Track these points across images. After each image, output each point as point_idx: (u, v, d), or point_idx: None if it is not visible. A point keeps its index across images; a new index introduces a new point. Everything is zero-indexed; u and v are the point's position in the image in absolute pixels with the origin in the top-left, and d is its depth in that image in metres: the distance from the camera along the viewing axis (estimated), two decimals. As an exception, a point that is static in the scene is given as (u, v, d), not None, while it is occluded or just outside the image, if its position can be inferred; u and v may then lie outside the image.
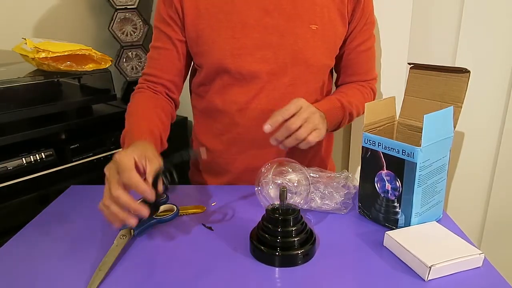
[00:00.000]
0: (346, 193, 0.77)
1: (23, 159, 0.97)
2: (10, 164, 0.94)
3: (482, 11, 0.94)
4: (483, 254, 0.58)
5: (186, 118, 1.44)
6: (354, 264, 0.61)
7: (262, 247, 0.61)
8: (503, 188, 1.05)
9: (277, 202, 0.65)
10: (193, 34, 0.85)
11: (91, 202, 0.80)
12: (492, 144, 1.04)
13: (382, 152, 0.66)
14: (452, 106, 0.66)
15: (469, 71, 0.69)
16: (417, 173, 0.62)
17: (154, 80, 0.89)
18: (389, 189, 0.67)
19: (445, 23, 1.00)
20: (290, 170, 0.71)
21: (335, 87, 1.00)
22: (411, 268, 0.58)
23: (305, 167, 0.73)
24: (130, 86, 1.48)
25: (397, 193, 0.66)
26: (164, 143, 0.81)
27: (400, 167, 0.64)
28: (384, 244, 0.64)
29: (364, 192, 0.72)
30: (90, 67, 1.10)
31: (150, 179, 0.60)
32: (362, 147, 0.70)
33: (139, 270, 0.60)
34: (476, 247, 0.59)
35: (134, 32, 1.45)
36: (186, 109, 1.07)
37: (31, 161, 0.98)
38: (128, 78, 1.48)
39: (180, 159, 0.63)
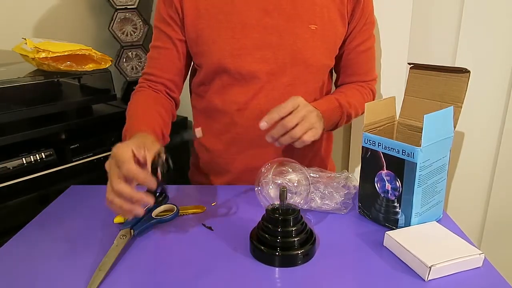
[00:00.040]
0: (346, 193, 0.77)
1: (23, 159, 0.97)
2: (10, 164, 0.94)
3: (482, 11, 0.94)
4: (483, 254, 0.58)
5: (186, 118, 1.44)
6: (354, 264, 0.61)
7: (262, 247, 0.61)
8: (503, 188, 1.05)
9: (277, 202, 0.65)
10: (193, 34, 0.85)
11: (91, 202, 0.81)
12: (492, 144, 1.04)
13: (382, 152, 0.66)
14: (452, 106, 0.66)
15: (469, 71, 0.69)
16: (417, 173, 0.62)
17: (154, 79, 0.89)
18: (389, 189, 0.67)
19: (445, 23, 1.00)
20: (290, 170, 0.71)
21: (334, 88, 1.00)
22: (411, 268, 0.58)
23: (305, 167, 0.73)
24: (130, 86, 1.48)
25: (397, 193, 0.66)
26: (166, 137, 0.81)
27: (400, 167, 0.64)
28: (384, 244, 0.64)
29: (364, 192, 0.72)
30: (90, 67, 1.10)
31: (149, 166, 0.60)
32: (362, 147, 0.70)
33: (139, 270, 0.60)
34: (476, 247, 0.59)
35: (134, 32, 1.45)
36: (186, 109, 1.07)
37: (31, 161, 0.98)
38: (128, 78, 1.48)
39: (179, 139, 0.63)
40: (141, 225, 0.68)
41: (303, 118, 0.72)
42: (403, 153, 0.63)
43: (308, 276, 0.58)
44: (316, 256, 0.62)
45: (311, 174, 0.79)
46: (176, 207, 0.73)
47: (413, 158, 0.62)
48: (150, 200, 0.59)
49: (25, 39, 1.06)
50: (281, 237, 0.61)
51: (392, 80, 1.09)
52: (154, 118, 0.80)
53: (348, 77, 0.95)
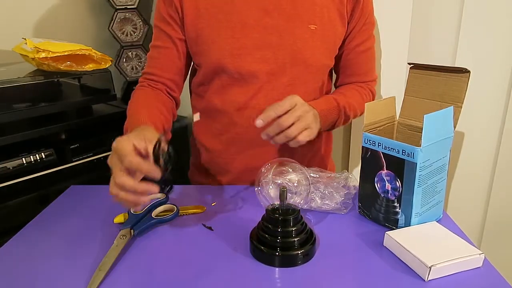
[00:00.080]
0: (346, 193, 0.77)
1: (23, 159, 0.97)
2: (10, 164, 0.94)
3: (482, 11, 0.94)
4: (483, 254, 0.58)
5: (186, 118, 1.44)
6: (354, 264, 0.61)
7: (262, 247, 0.61)
8: (503, 188, 1.05)
9: (277, 202, 0.65)
10: (192, 33, 0.85)
11: (91, 202, 0.81)
12: (492, 144, 1.04)
13: (382, 152, 0.66)
14: (452, 106, 0.66)
15: (469, 71, 0.69)
16: (417, 173, 0.62)
17: (155, 78, 0.89)
18: (389, 189, 0.67)
19: (445, 23, 1.00)
20: (290, 170, 0.71)
21: (334, 89, 1.00)
22: (411, 268, 0.58)
23: (305, 167, 0.73)
24: (130, 86, 1.48)
25: (397, 193, 0.66)
26: (167, 132, 0.81)
27: (400, 167, 0.64)
28: (384, 244, 0.64)
29: (364, 192, 0.72)
30: (90, 67, 1.10)
31: (150, 153, 0.59)
32: (362, 147, 0.70)
33: (139, 270, 0.60)
34: (476, 247, 0.59)
35: (134, 32, 1.45)
36: (186, 109, 1.07)
37: (31, 161, 0.98)
38: (128, 78, 1.48)
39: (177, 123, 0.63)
40: (141, 225, 0.68)
41: (299, 118, 0.72)
42: (403, 153, 0.63)
43: (308, 276, 0.58)
44: (316, 256, 0.62)
45: (311, 174, 0.79)
46: (176, 207, 0.73)
47: (413, 158, 0.62)
48: (154, 189, 0.59)
49: (25, 39, 1.06)
50: (281, 237, 0.61)
51: (392, 80, 1.09)
52: (155, 113, 0.80)
53: (348, 77, 0.95)
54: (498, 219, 1.08)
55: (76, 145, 1.07)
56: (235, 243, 0.66)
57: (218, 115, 0.89)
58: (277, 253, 0.60)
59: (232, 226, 0.71)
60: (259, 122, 0.70)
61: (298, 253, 0.60)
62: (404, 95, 0.79)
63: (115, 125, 0.96)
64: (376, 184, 0.69)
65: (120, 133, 0.77)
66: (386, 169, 0.66)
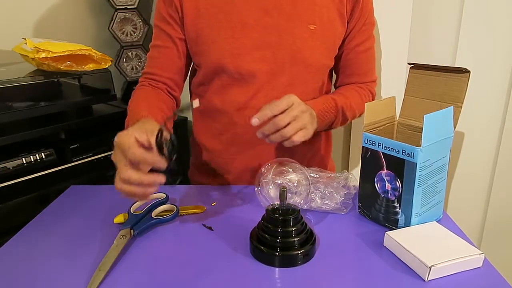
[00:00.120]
0: (346, 193, 0.77)
1: (23, 159, 0.97)
2: (10, 164, 0.94)
3: (482, 11, 0.94)
4: (483, 254, 0.58)
5: (186, 118, 1.44)
6: (354, 264, 0.61)
7: (262, 247, 0.61)
8: (503, 188, 1.05)
9: (277, 202, 0.65)
10: (192, 33, 0.85)
11: (91, 202, 0.81)
12: (492, 144, 1.05)
13: (382, 152, 0.66)
14: (452, 106, 0.66)
15: (469, 71, 0.69)
16: (417, 173, 0.62)
17: (155, 78, 0.89)
18: (389, 189, 0.67)
19: (445, 23, 1.00)
20: (290, 170, 0.71)
21: (334, 89, 1.00)
22: (411, 268, 0.58)
23: (305, 167, 0.73)
24: (130, 86, 1.48)
25: (397, 193, 0.66)
26: (169, 128, 0.81)
27: (400, 167, 0.64)
28: (384, 244, 0.64)
29: (364, 192, 0.72)
30: (90, 67, 1.10)
31: (153, 144, 0.59)
32: (362, 147, 0.70)
33: (139, 270, 0.60)
34: (476, 247, 0.59)
35: (134, 32, 1.45)
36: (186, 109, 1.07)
37: (31, 161, 0.98)
38: (128, 78, 1.48)
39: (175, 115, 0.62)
40: (141, 225, 0.68)
41: (296, 118, 0.71)
42: (403, 153, 0.63)
43: (308, 276, 0.58)
44: (316, 256, 0.62)
45: (311, 174, 0.79)
46: (176, 207, 0.73)
47: (413, 158, 0.62)
48: (161, 179, 0.58)
49: (25, 39, 1.06)
50: (281, 237, 0.61)
51: (392, 80, 1.09)
52: (156, 109, 0.80)
53: (347, 77, 0.95)
54: (498, 219, 1.08)
55: (76, 145, 1.07)
56: (235, 243, 0.66)
57: (218, 115, 0.89)
58: (277, 253, 0.60)
59: (232, 226, 0.71)
60: (255, 121, 0.69)
61: (298, 253, 0.60)
62: (404, 95, 0.79)
63: (115, 125, 0.96)
64: (376, 184, 0.69)
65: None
66: (386, 169, 0.66)
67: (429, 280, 0.55)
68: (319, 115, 0.80)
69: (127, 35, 1.44)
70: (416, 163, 0.61)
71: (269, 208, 0.64)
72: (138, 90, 0.88)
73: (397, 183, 0.65)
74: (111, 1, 1.37)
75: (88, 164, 1.10)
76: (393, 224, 0.68)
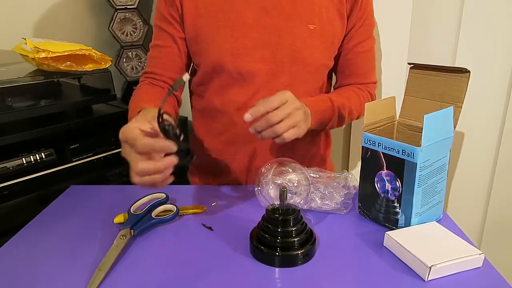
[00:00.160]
0: (346, 193, 0.77)
1: (23, 159, 0.97)
2: (10, 164, 0.94)
3: (482, 11, 0.94)
4: (483, 254, 0.58)
5: (186, 118, 1.44)
6: (354, 264, 0.61)
7: (262, 247, 0.61)
8: (503, 188, 1.05)
9: (277, 202, 0.65)
10: (192, 32, 0.85)
11: (91, 202, 0.81)
12: (492, 144, 1.05)
13: (382, 152, 0.66)
14: (452, 106, 0.66)
15: (469, 71, 0.69)
16: (417, 173, 0.62)
17: (156, 77, 0.89)
18: (389, 189, 0.67)
19: (445, 23, 1.00)
20: (290, 170, 0.71)
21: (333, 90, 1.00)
22: (411, 268, 0.58)
23: (305, 167, 0.73)
24: (130, 86, 1.48)
25: (397, 193, 0.66)
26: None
27: (400, 167, 0.64)
28: (384, 244, 0.64)
29: (364, 192, 0.72)
30: (90, 67, 1.10)
31: (157, 130, 0.59)
32: (362, 147, 0.70)
33: (139, 270, 0.60)
34: (476, 247, 0.59)
35: (134, 32, 1.45)
36: (186, 109, 1.07)
37: (31, 161, 0.98)
38: (128, 78, 1.48)
39: (177, 85, 0.61)
40: (141, 225, 0.68)
41: (289, 115, 0.69)
42: (403, 153, 0.63)
43: (308, 276, 0.58)
44: (316, 256, 0.62)
45: (311, 174, 0.79)
46: (176, 207, 0.73)
47: (413, 158, 0.62)
48: (174, 160, 0.58)
49: (25, 39, 1.06)
50: (281, 237, 0.61)
51: (392, 80, 1.09)
52: (157, 101, 0.80)
53: (346, 78, 0.94)
54: (498, 219, 1.08)
55: (76, 145, 1.07)
56: (235, 243, 0.66)
57: (218, 115, 0.89)
58: (277, 253, 0.60)
59: (232, 226, 0.71)
60: (247, 117, 0.68)
61: (298, 253, 0.60)
62: (404, 95, 0.79)
63: (115, 125, 0.96)
64: (376, 184, 0.69)
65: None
66: (386, 169, 0.66)
67: (429, 280, 0.55)
68: (314, 114, 0.78)
69: (127, 35, 1.44)
70: (416, 163, 0.61)
71: (269, 208, 0.64)
72: (139, 89, 0.88)
73: (397, 183, 0.65)
74: (111, 1, 1.37)
75: (88, 164, 1.10)
76: (393, 224, 0.68)
